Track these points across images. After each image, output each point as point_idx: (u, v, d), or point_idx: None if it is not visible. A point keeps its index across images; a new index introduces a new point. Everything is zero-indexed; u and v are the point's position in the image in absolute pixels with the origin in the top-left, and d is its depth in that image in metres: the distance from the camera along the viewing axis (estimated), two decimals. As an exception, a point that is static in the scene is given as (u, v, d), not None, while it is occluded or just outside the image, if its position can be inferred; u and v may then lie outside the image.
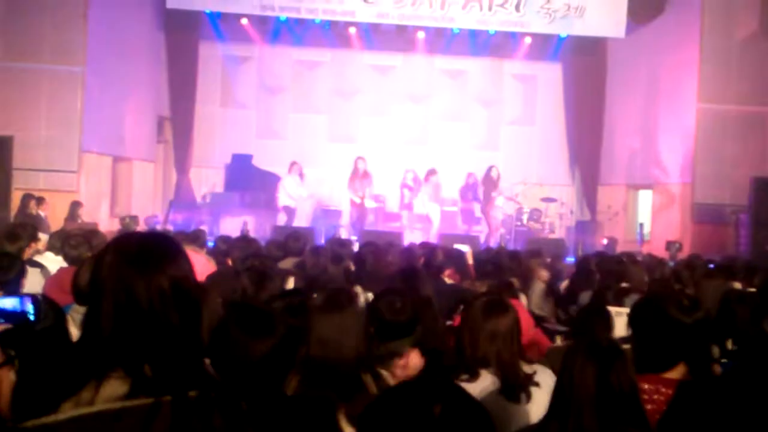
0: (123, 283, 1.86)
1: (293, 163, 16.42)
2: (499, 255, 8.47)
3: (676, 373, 3.09)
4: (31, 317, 2.22)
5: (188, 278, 1.93)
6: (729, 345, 4.36)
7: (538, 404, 3.43)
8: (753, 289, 6.34)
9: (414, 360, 3.61)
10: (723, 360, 4.09)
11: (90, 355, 1.87)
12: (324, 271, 6.10)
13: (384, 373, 3.32)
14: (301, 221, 16.52)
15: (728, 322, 4.37)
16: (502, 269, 7.23)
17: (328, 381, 3.04)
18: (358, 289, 6.14)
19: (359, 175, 16.17)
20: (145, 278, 1.87)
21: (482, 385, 3.49)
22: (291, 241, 8.25)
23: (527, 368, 3.59)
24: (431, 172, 16.43)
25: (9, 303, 2.23)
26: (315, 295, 3.99)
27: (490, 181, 16.44)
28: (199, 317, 1.94)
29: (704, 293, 5.38)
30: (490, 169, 16.53)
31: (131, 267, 1.88)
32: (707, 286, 5.66)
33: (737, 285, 7.14)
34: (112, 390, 1.80)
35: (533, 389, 3.50)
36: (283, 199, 16.30)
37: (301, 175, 16.40)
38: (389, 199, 17.67)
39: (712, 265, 8.48)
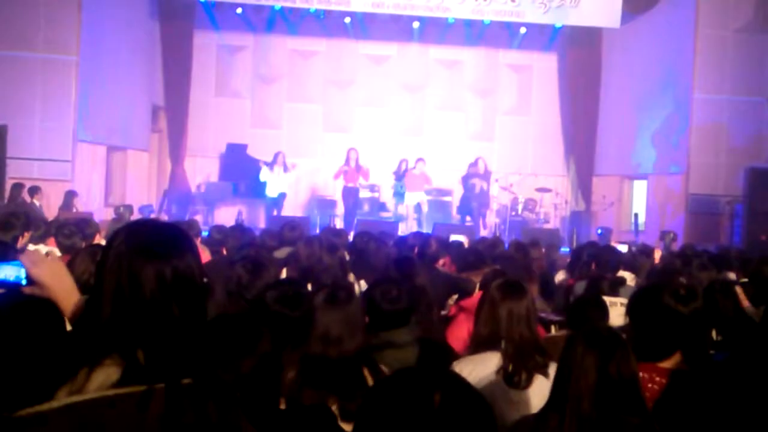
0: (128, 267, 1.87)
1: (278, 153, 16.27)
2: (494, 245, 8.48)
3: (671, 362, 3.09)
4: (23, 282, 2.25)
5: (193, 272, 1.93)
6: (714, 335, 4.38)
7: (538, 394, 3.45)
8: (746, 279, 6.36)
9: None
10: (710, 351, 4.10)
11: (85, 340, 1.87)
12: (319, 261, 6.09)
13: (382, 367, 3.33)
14: (296, 211, 16.54)
15: (712, 313, 4.39)
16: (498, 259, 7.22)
17: (328, 377, 3.04)
18: (352, 277, 6.14)
19: (350, 167, 16.11)
20: (150, 266, 1.87)
21: (480, 367, 3.53)
22: (287, 230, 8.24)
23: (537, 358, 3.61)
24: (419, 160, 16.46)
25: (6, 272, 2.28)
26: (309, 287, 3.99)
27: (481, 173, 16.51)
28: (201, 310, 1.94)
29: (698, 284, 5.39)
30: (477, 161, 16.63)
31: (139, 253, 1.89)
32: (701, 277, 5.68)
33: (732, 275, 7.17)
34: (105, 377, 1.80)
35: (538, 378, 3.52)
36: (268, 190, 16.23)
37: (285, 165, 16.23)
38: (384, 189, 17.67)
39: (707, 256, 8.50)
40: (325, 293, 3.37)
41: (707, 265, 7.13)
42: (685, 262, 7.63)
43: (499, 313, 3.63)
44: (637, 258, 7.89)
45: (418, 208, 16.36)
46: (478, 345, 3.69)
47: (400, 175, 16.79)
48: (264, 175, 16.00)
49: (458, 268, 7.10)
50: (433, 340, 4.12)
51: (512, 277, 4.09)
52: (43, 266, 2.27)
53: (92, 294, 1.95)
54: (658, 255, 8.77)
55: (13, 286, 2.31)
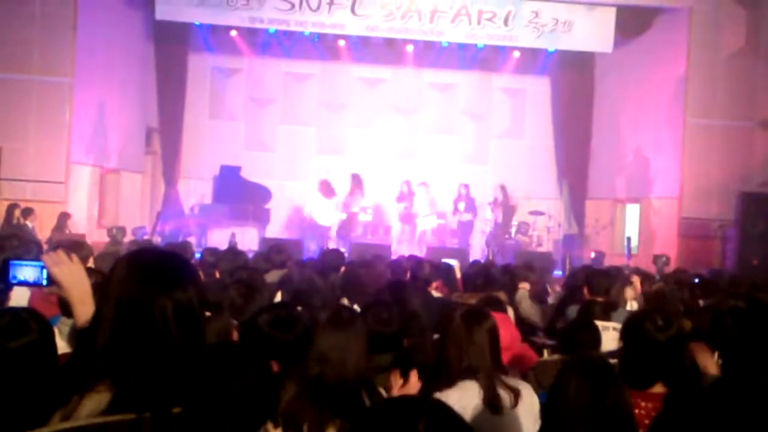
0: (130, 295, 1.87)
1: (324, 181, 16.46)
2: (487, 269, 8.47)
3: (657, 389, 3.10)
4: (44, 282, 2.31)
5: (193, 304, 1.93)
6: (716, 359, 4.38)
7: (519, 417, 3.45)
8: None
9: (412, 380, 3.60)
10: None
11: (80, 366, 1.88)
12: (311, 284, 6.09)
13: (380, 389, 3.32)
14: (288, 234, 16.59)
15: (720, 337, 4.39)
16: (491, 283, 7.22)
17: (327, 397, 3.02)
18: (345, 302, 6.13)
19: (354, 192, 16.32)
20: (152, 296, 1.87)
21: (466, 395, 3.50)
22: (274, 253, 8.24)
23: (507, 380, 3.59)
24: (422, 185, 16.64)
25: (27, 272, 2.36)
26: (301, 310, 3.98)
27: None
28: (199, 340, 1.94)
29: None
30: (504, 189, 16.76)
31: (141, 282, 1.89)
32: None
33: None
34: (96, 403, 1.80)
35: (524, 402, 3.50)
36: (317, 218, 16.38)
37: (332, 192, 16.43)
38: (377, 211, 17.70)
39: (697, 280, 8.51)
40: (328, 314, 3.36)
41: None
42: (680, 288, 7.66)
43: (465, 342, 3.59)
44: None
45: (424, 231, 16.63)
46: (454, 375, 3.61)
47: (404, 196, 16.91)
48: (317, 202, 16.16)
49: (465, 289, 7.09)
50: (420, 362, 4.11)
51: (476, 306, 4.08)
52: (64, 267, 2.29)
53: (92, 319, 1.95)
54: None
55: (33, 287, 2.37)
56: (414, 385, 3.59)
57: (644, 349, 3.14)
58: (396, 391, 3.49)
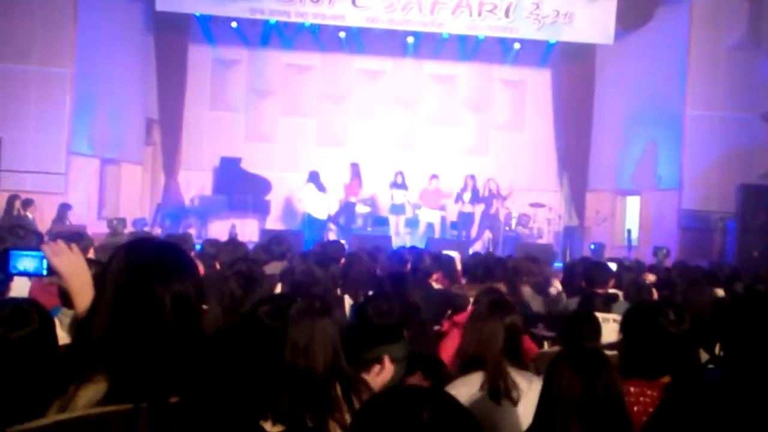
0: (127, 286, 1.87)
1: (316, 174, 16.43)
2: (488, 260, 8.47)
3: (664, 379, 3.11)
4: (44, 272, 2.32)
5: (190, 295, 1.93)
6: (717, 350, 4.38)
7: (525, 411, 3.44)
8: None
9: (387, 366, 3.61)
10: (711, 366, 4.11)
11: (78, 357, 1.88)
12: (311, 276, 6.08)
13: (366, 378, 3.30)
14: (288, 225, 16.58)
15: (720, 329, 4.39)
16: (491, 274, 7.21)
17: (299, 388, 3.03)
18: (345, 295, 6.12)
19: (353, 182, 16.34)
20: (150, 286, 1.87)
21: (473, 385, 3.50)
22: (274, 244, 8.21)
23: (515, 373, 3.59)
24: (433, 177, 16.68)
25: (27, 262, 2.36)
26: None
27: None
28: (195, 332, 1.94)
29: (693, 300, 5.41)
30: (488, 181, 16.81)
31: (139, 273, 1.89)
32: (695, 293, 5.70)
33: (719, 292, 7.17)
34: (93, 393, 1.80)
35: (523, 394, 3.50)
36: (311, 212, 16.31)
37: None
38: (377, 202, 17.70)
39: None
40: (300, 303, 3.37)
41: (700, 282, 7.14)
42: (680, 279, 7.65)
43: (484, 329, 3.62)
44: (622, 275, 7.91)
45: (430, 225, 16.64)
46: (464, 363, 3.66)
47: (398, 186, 16.89)
48: (311, 196, 16.08)
49: (468, 280, 7.08)
50: (424, 356, 4.11)
51: (500, 295, 4.08)
52: (64, 257, 2.29)
53: (90, 310, 1.96)
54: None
55: (33, 277, 2.37)
56: (388, 370, 3.59)
57: (656, 342, 3.15)
58: (371, 377, 3.49)
